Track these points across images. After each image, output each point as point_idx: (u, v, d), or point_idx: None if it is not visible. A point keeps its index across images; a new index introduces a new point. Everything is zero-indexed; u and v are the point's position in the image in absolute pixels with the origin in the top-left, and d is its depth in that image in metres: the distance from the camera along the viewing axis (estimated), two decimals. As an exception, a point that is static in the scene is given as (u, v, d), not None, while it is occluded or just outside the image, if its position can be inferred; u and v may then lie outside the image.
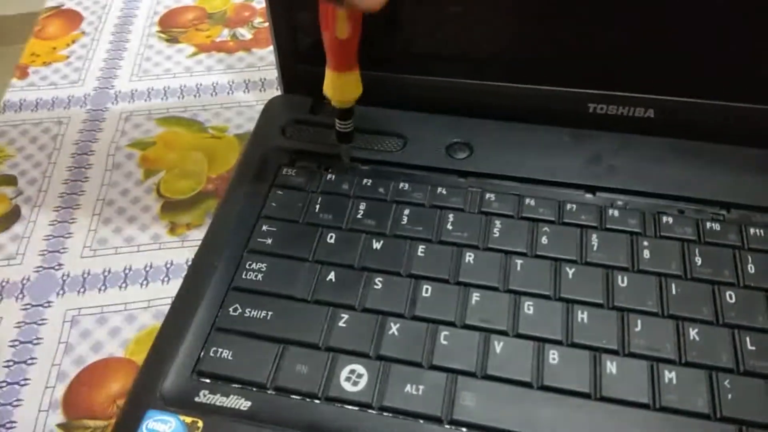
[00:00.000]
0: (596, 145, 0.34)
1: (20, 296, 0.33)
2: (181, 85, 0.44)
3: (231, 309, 0.29)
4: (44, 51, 0.47)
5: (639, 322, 0.27)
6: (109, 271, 0.34)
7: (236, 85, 0.44)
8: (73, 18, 0.50)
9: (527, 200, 0.32)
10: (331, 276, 0.29)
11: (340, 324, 0.28)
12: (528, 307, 0.28)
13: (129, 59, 0.46)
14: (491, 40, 0.34)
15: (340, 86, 0.31)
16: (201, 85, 0.44)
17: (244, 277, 0.30)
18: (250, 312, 0.28)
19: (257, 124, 0.37)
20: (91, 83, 0.45)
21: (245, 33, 0.48)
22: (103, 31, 0.49)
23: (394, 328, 0.27)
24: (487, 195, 0.32)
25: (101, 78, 0.45)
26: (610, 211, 0.31)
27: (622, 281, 0.29)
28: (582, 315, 0.28)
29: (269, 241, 0.31)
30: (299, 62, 0.37)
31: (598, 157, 0.34)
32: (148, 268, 0.34)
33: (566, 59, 0.34)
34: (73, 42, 0.48)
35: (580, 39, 0.33)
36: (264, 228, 0.31)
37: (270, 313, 0.28)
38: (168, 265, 0.34)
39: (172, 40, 0.48)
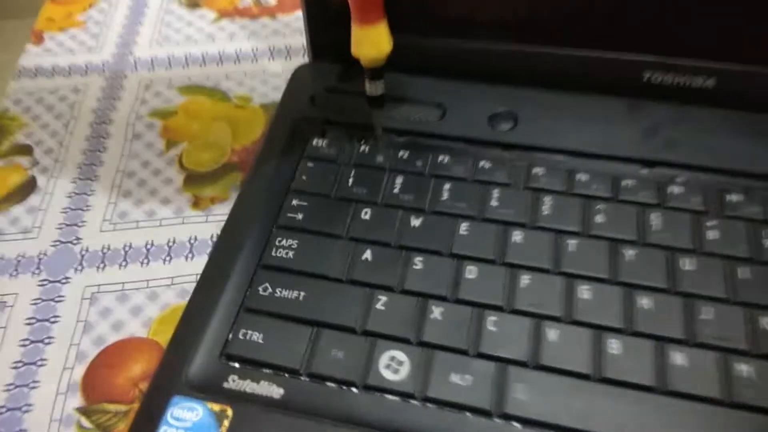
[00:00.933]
0: (652, 117, 0.32)
1: (37, 271, 0.32)
2: (203, 53, 0.42)
3: (260, 288, 0.27)
4: (60, 16, 0.45)
5: (707, 309, 0.25)
6: (130, 246, 0.32)
7: (260, 52, 0.41)
8: (89, -18, 0.48)
9: (579, 175, 0.29)
10: (367, 254, 0.27)
11: (378, 306, 0.26)
12: (583, 291, 0.26)
13: (148, 25, 0.44)
14: None
15: (367, 41, 0.28)
16: (223, 52, 0.42)
17: (273, 254, 0.28)
18: (281, 292, 0.26)
19: (285, 92, 0.34)
20: (110, 50, 0.43)
21: (270, -2, 0.45)
22: (121, -4, 0.47)
23: (436, 311, 0.25)
24: (535, 169, 0.30)
25: (120, 44, 0.43)
26: (670, 188, 0.29)
27: (687, 264, 0.26)
28: (644, 301, 0.25)
29: (300, 216, 0.29)
30: (329, 26, 0.34)
31: (654, 129, 0.31)
32: (171, 244, 0.32)
33: (618, 21, 0.31)
34: (90, 6, 0.46)
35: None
36: (294, 202, 0.29)
37: (302, 293, 0.26)
38: (192, 241, 0.32)
39: (193, 5, 0.45)
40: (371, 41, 0.28)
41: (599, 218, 0.28)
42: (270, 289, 0.26)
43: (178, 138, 0.37)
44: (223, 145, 0.36)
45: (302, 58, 0.41)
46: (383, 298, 0.26)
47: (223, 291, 0.27)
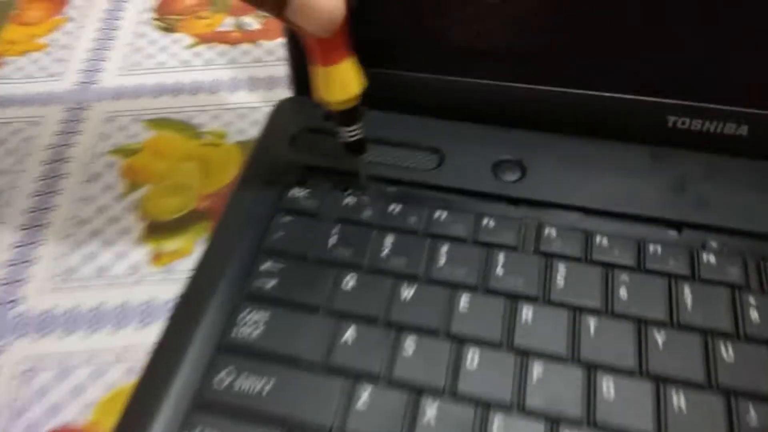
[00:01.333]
0: (678, 168, 0.28)
1: (-34, 339, 0.27)
2: (176, 82, 0.38)
3: (218, 378, 0.22)
4: (22, 38, 0.41)
5: (756, 410, 0.21)
6: (76, 311, 0.28)
7: (239, 82, 0.37)
8: (56, 0, 0.44)
9: (598, 238, 0.25)
10: (350, 334, 0.23)
11: (359, 405, 0.21)
12: (608, 386, 0.21)
13: (118, 50, 0.40)
14: (547, 32, 0.27)
15: (332, 83, 0.24)
16: (198, 81, 0.38)
17: (237, 332, 0.23)
18: (243, 382, 0.22)
19: (262, 131, 0.30)
20: (73, 77, 0.39)
21: (252, 22, 0.41)
22: (90, 17, 0.43)
23: (429, 413, 0.21)
24: (546, 230, 0.26)
25: (85, 71, 0.39)
26: (705, 256, 0.25)
27: (726, 352, 0.22)
28: (680, 401, 0.21)
29: (271, 283, 0.24)
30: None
31: (682, 184, 0.27)
32: (122, 308, 0.28)
33: (639, 60, 0.27)
34: (56, 28, 0.42)
35: (655, 34, 0.26)
36: (265, 266, 0.25)
37: (270, 384, 0.22)
38: (147, 306, 0.28)
39: (169, 28, 0.41)
40: (337, 83, 0.24)
41: (623, 292, 0.24)
42: (230, 379, 0.22)
43: (141, 180, 0.33)
44: (191, 189, 0.32)
45: (286, 90, 0.37)
46: (367, 392, 0.21)
47: (174, 377, 0.22)
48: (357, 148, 0.27)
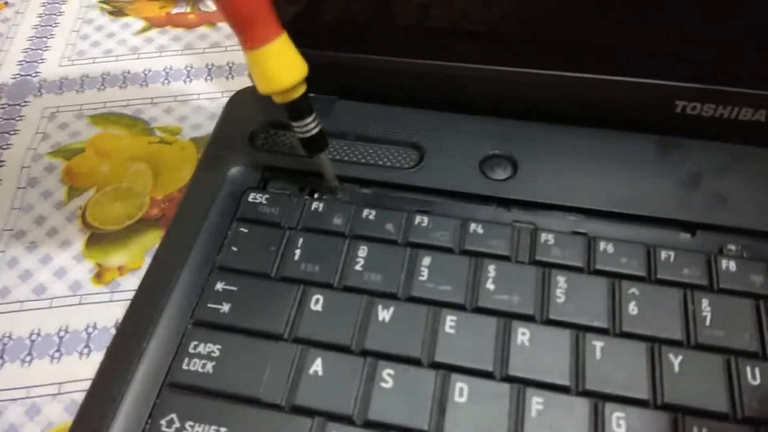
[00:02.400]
0: (690, 161, 0.24)
1: None
2: (125, 72, 0.34)
3: (164, 421, 0.19)
4: (-47, 26, 0.37)
5: (790, 448, 0.18)
6: (10, 337, 0.24)
7: (196, 70, 0.33)
8: (-7, -16, 0.39)
9: (602, 244, 0.22)
10: (317, 365, 0.20)
11: (330, 452, 0.18)
12: (617, 419, 0.18)
13: (61, 37, 0.36)
14: (538, 5, 0.24)
15: (263, 69, 0.20)
16: (150, 70, 0.34)
17: (186, 366, 0.20)
18: (192, 426, 0.19)
19: (216, 127, 0.27)
20: (10, 69, 0.34)
21: (210, 3, 0.37)
22: (30, 1, 0.38)
23: (413, 462, 0.18)
24: (543, 236, 0.22)
25: (24, 62, 0.35)
26: (723, 262, 0.21)
27: (753, 377, 0.19)
28: (701, 435, 0.18)
29: (225, 308, 0.21)
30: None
31: (694, 179, 0.24)
32: (62, 333, 0.24)
33: (643, 37, 0.24)
34: (-8, 14, 0.38)
35: (659, 8, 0.23)
36: (219, 286, 0.21)
37: (224, 430, 0.19)
38: (89, 330, 0.25)
39: (117, 12, 0.37)
40: (265, 70, 0.20)
41: (632, 308, 0.20)
42: (177, 423, 0.19)
43: (84, 184, 0.29)
44: (140, 194, 0.28)
45: (247, 80, 0.33)
46: (337, 438, 0.18)
47: (114, 418, 0.19)
48: (313, 145, 0.23)
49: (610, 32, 0.24)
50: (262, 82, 0.20)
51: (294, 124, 0.22)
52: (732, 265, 0.21)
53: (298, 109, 0.21)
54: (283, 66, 0.20)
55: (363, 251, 0.22)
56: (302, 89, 0.21)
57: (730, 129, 0.25)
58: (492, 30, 0.24)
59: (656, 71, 0.24)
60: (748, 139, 0.25)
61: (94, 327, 0.24)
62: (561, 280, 0.21)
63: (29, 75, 0.34)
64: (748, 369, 0.19)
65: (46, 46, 0.36)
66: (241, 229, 0.23)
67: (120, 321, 0.22)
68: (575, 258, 0.22)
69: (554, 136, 0.25)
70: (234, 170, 0.25)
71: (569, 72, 0.25)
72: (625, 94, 0.25)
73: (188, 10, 0.37)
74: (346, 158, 0.25)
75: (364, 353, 0.20)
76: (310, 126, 0.22)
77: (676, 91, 0.25)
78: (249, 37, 0.19)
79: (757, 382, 0.19)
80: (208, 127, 0.31)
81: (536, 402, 0.19)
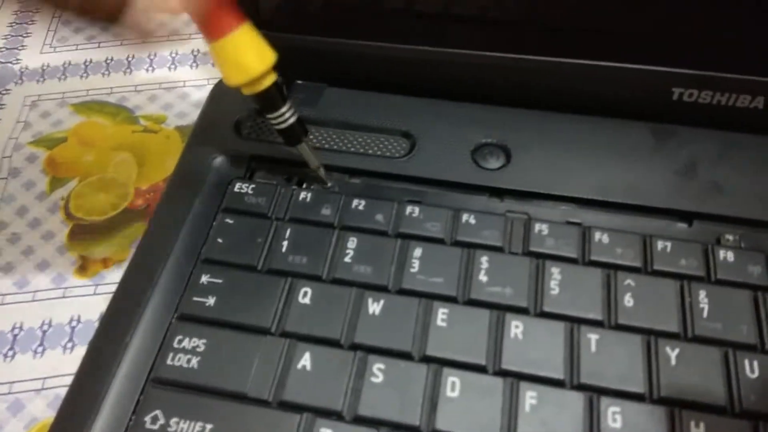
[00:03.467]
0: (686, 149, 0.24)
1: None
2: (108, 58, 0.33)
3: (149, 417, 0.18)
4: (-70, 11, 0.36)
5: (788, 442, 0.17)
6: (-10, 331, 0.24)
7: (180, 57, 0.33)
8: (-29, -32, 0.38)
9: (597, 235, 0.21)
10: (305, 360, 0.19)
11: (318, 448, 0.18)
12: (613, 414, 0.18)
13: (42, 22, 0.35)
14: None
15: (225, 60, 0.19)
16: (134, 57, 0.33)
17: (170, 362, 0.19)
18: (177, 423, 0.18)
19: (201, 115, 0.26)
20: (-11, 55, 0.34)
21: (196, -12, 0.36)
22: (11, -14, 0.37)
23: (403, 458, 0.17)
24: (537, 226, 0.22)
25: (4, 49, 0.34)
26: (721, 252, 0.21)
27: (751, 369, 0.19)
28: (698, 429, 0.18)
29: (210, 301, 0.20)
30: (263, 27, 0.26)
31: (691, 167, 0.23)
32: (45, 328, 0.24)
33: (638, 22, 0.23)
34: (-29, -1, 0.36)
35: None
36: (204, 279, 0.21)
37: (209, 426, 0.18)
38: (73, 323, 0.24)
39: (101, -3, 0.36)
40: (230, 61, 0.19)
41: (627, 300, 0.20)
42: (162, 420, 0.18)
43: (67, 174, 0.28)
44: (124, 184, 0.28)
45: (234, 66, 0.32)
46: (326, 434, 0.18)
47: (97, 414, 0.19)
48: (292, 135, 0.22)
49: (606, 17, 0.23)
50: (229, 74, 0.19)
51: (268, 116, 0.21)
52: (729, 256, 0.21)
53: (269, 100, 0.21)
54: (249, 56, 0.19)
55: (352, 242, 0.22)
56: (271, 79, 0.20)
57: (727, 116, 0.24)
58: (485, 14, 0.24)
59: (653, 57, 0.24)
60: (745, 127, 0.24)
61: (78, 321, 0.24)
62: (555, 272, 0.21)
63: (9, 62, 0.33)
64: (746, 362, 0.19)
65: (27, 33, 0.35)
66: (227, 220, 0.22)
67: (101, 317, 0.21)
68: (569, 249, 0.21)
69: (548, 124, 0.25)
70: (219, 160, 0.24)
71: (564, 58, 0.24)
72: (621, 80, 0.24)
73: (174, -6, 0.36)
74: (335, 147, 0.24)
75: (354, 347, 0.19)
76: (286, 116, 0.21)
77: (673, 77, 0.24)
78: (209, 28, 0.19)
79: (755, 375, 0.19)
80: (194, 115, 0.30)
81: (530, 396, 0.18)
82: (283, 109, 0.21)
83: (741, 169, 0.23)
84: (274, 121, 0.21)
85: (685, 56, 0.23)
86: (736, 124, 0.24)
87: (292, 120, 0.21)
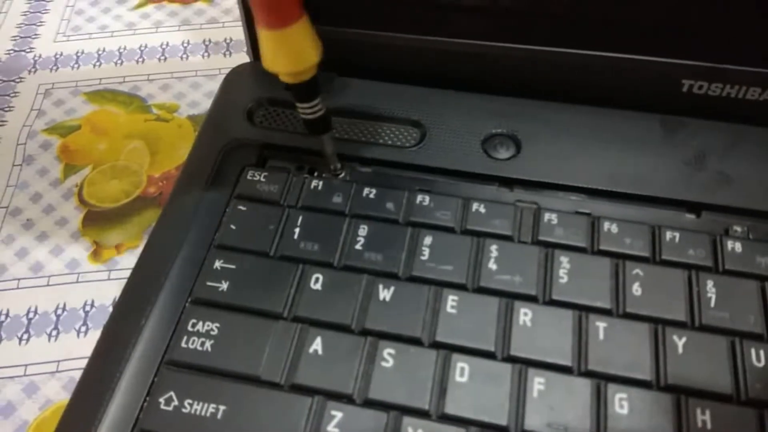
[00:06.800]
0: (696, 141, 0.24)
1: None
2: (121, 47, 0.33)
3: (163, 399, 0.19)
4: (-55, 0, 0.36)
5: (794, 430, 0.18)
6: (7, 315, 0.24)
7: (193, 46, 0.33)
8: (-15, -43, 0.39)
9: (605, 224, 0.22)
10: (317, 344, 0.19)
11: (329, 430, 0.18)
12: (620, 401, 0.18)
13: (56, 12, 0.35)
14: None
15: (282, 49, 0.19)
16: (146, 46, 0.33)
17: (184, 344, 0.20)
18: (191, 407, 0.18)
19: (213, 104, 0.26)
20: (4, 44, 0.34)
21: (208, -22, 0.36)
22: (24, -25, 0.38)
23: (413, 440, 0.18)
24: (546, 215, 0.22)
25: (18, 38, 0.34)
26: (729, 243, 0.21)
27: (758, 358, 0.19)
28: (705, 417, 0.18)
29: (224, 286, 0.21)
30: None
31: (700, 159, 0.24)
32: (59, 311, 0.24)
33: (649, 13, 0.23)
34: (-16, -11, 0.37)
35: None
36: (217, 265, 0.21)
37: (223, 409, 0.18)
38: (87, 308, 0.24)
39: (113, -14, 0.36)
40: (287, 50, 0.19)
41: (636, 289, 0.20)
42: (176, 401, 0.19)
43: (80, 161, 0.29)
44: (137, 172, 0.28)
45: (245, 56, 0.33)
46: (337, 417, 0.18)
47: (111, 396, 0.19)
48: (318, 126, 0.22)
49: (617, 8, 0.23)
50: (287, 61, 0.20)
51: (301, 105, 0.21)
52: (737, 247, 0.21)
53: (309, 89, 0.21)
54: (302, 48, 0.19)
55: (363, 230, 0.22)
56: (315, 70, 0.21)
57: (736, 109, 0.24)
58: (496, 5, 0.24)
59: (663, 49, 0.24)
60: (754, 119, 0.24)
61: (92, 305, 0.24)
62: (564, 260, 0.21)
63: (23, 51, 0.34)
64: (753, 351, 0.19)
65: (40, 21, 0.35)
66: (240, 207, 0.23)
67: (115, 301, 0.21)
68: (578, 238, 0.21)
69: (558, 115, 0.25)
70: (231, 147, 0.24)
71: (574, 49, 0.24)
72: (631, 72, 0.24)
73: (185, -15, 0.36)
74: (346, 136, 0.25)
75: (365, 333, 0.20)
76: (317, 107, 0.21)
77: (683, 69, 0.24)
78: (274, 17, 0.19)
79: (762, 364, 0.19)
80: (206, 105, 0.30)
81: (538, 382, 0.19)
82: (317, 100, 0.21)
83: (749, 161, 0.23)
84: (306, 110, 0.22)
85: (696, 48, 0.24)
86: (745, 117, 0.24)
87: (322, 111, 0.22)
